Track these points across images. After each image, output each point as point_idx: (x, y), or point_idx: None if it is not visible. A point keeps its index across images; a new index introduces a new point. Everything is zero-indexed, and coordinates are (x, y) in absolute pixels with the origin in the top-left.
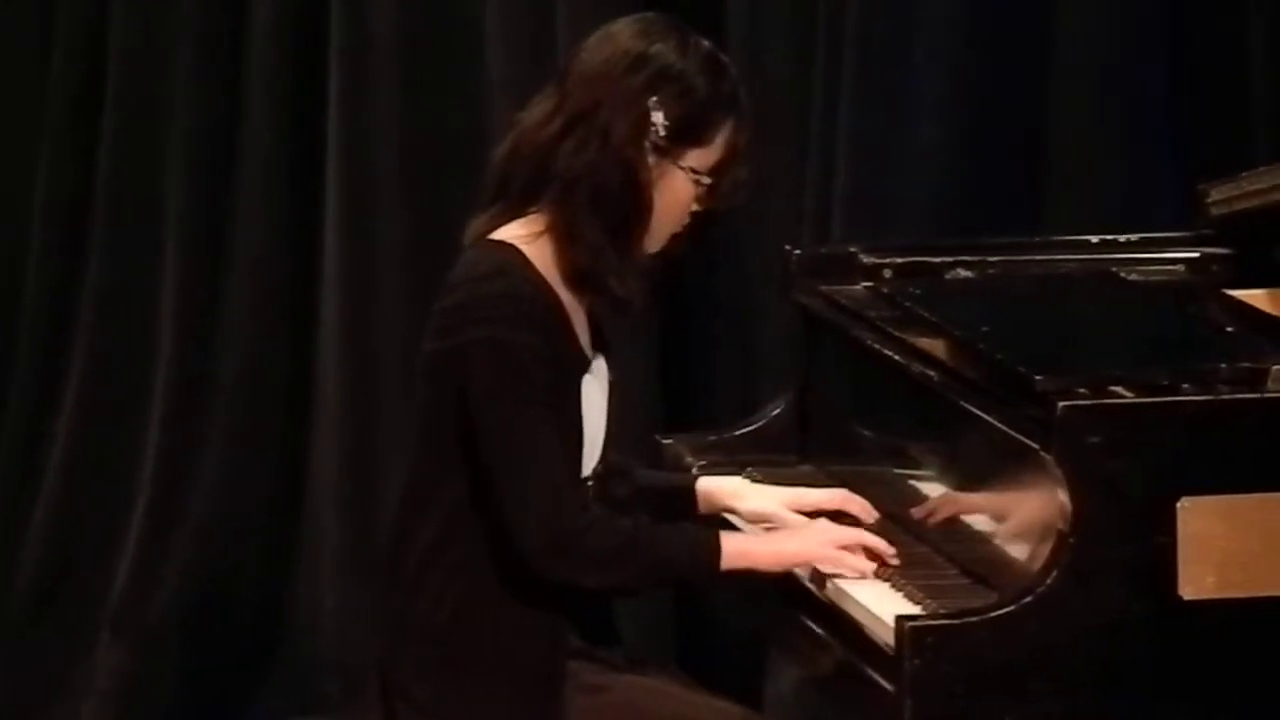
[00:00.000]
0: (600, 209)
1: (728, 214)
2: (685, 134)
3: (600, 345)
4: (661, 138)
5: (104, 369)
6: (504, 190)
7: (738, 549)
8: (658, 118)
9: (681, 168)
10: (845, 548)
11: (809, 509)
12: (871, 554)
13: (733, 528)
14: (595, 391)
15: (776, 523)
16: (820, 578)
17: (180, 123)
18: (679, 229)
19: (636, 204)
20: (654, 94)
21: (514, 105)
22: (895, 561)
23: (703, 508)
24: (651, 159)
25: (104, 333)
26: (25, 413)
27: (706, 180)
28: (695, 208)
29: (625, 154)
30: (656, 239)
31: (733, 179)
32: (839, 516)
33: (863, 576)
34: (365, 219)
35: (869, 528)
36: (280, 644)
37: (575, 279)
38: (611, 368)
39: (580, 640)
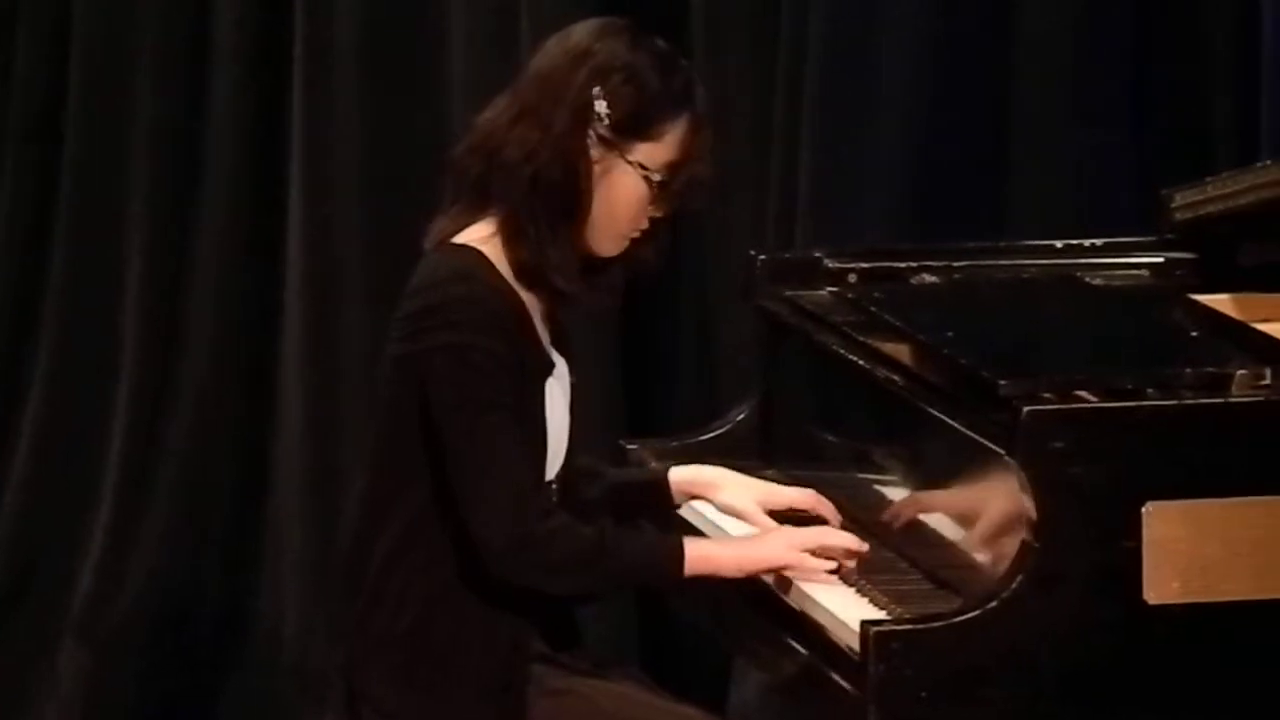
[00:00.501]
0: (540, 199)
1: (692, 218)
2: (631, 126)
3: (562, 347)
4: (606, 128)
5: (67, 376)
6: (460, 189)
7: (701, 554)
8: (600, 107)
9: (630, 162)
10: (810, 550)
11: (781, 507)
12: (837, 555)
13: (693, 528)
14: (558, 394)
15: (748, 521)
16: (784, 582)
17: (143, 126)
18: (635, 231)
19: (576, 194)
20: (598, 85)
21: (477, 106)
22: (864, 548)
23: (677, 497)
24: (596, 151)
25: (67, 339)
26: None
27: (657, 177)
28: (654, 212)
29: (565, 143)
30: (609, 238)
31: (688, 179)
32: (810, 518)
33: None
34: (328, 224)
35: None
36: (243, 649)
37: (521, 273)
38: (573, 370)
39: (543, 643)
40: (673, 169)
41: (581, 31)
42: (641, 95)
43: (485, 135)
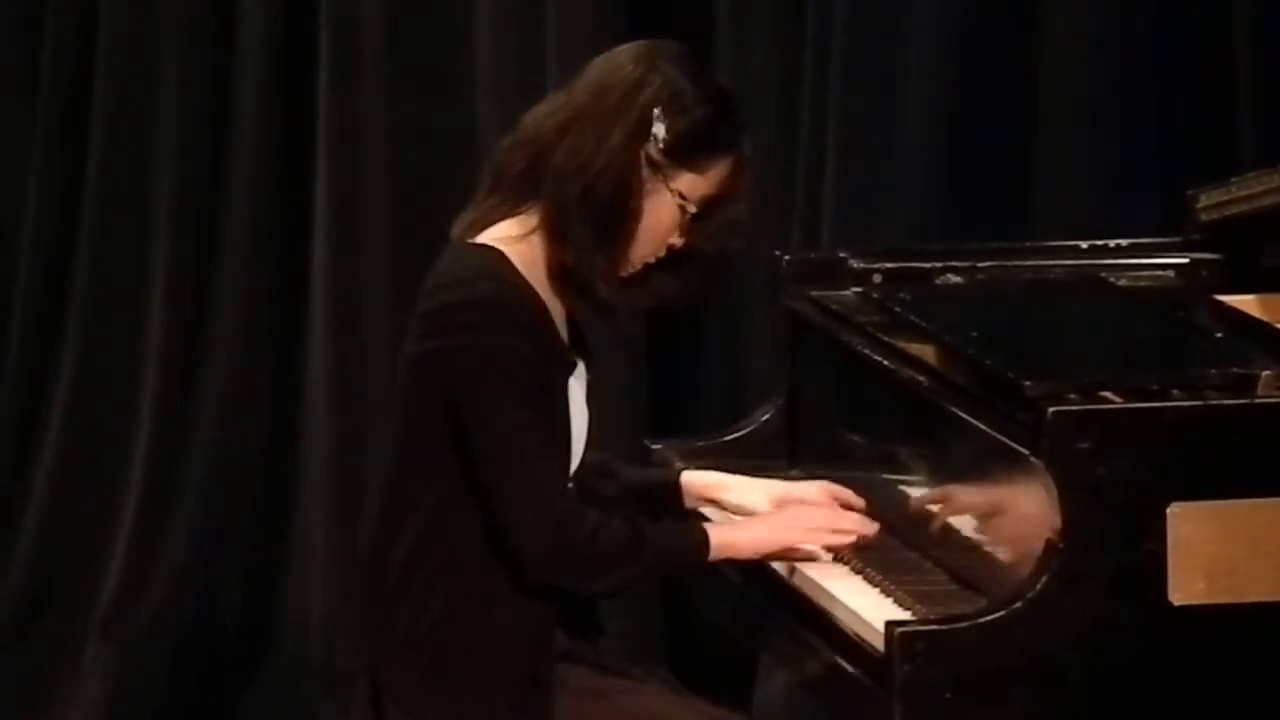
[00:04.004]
0: (590, 209)
1: (722, 258)
2: (681, 153)
3: (579, 347)
4: (659, 150)
5: (92, 377)
6: (499, 181)
7: (723, 540)
8: (659, 129)
9: (670, 190)
10: (823, 530)
11: (794, 502)
12: (850, 534)
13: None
14: (578, 393)
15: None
16: (808, 581)
17: (169, 127)
18: (652, 257)
19: (625, 210)
20: (658, 106)
21: (503, 111)
22: (874, 528)
23: (687, 501)
24: (645, 171)
25: (92, 341)
26: (13, 421)
27: (692, 209)
28: (675, 240)
29: (619, 158)
30: (634, 259)
31: (725, 220)
32: None
33: (835, 555)
34: (353, 225)
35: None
36: (268, 651)
37: (562, 278)
38: (590, 370)
39: (565, 636)
40: (708, 204)
41: (643, 52)
42: (695, 126)
43: (534, 135)
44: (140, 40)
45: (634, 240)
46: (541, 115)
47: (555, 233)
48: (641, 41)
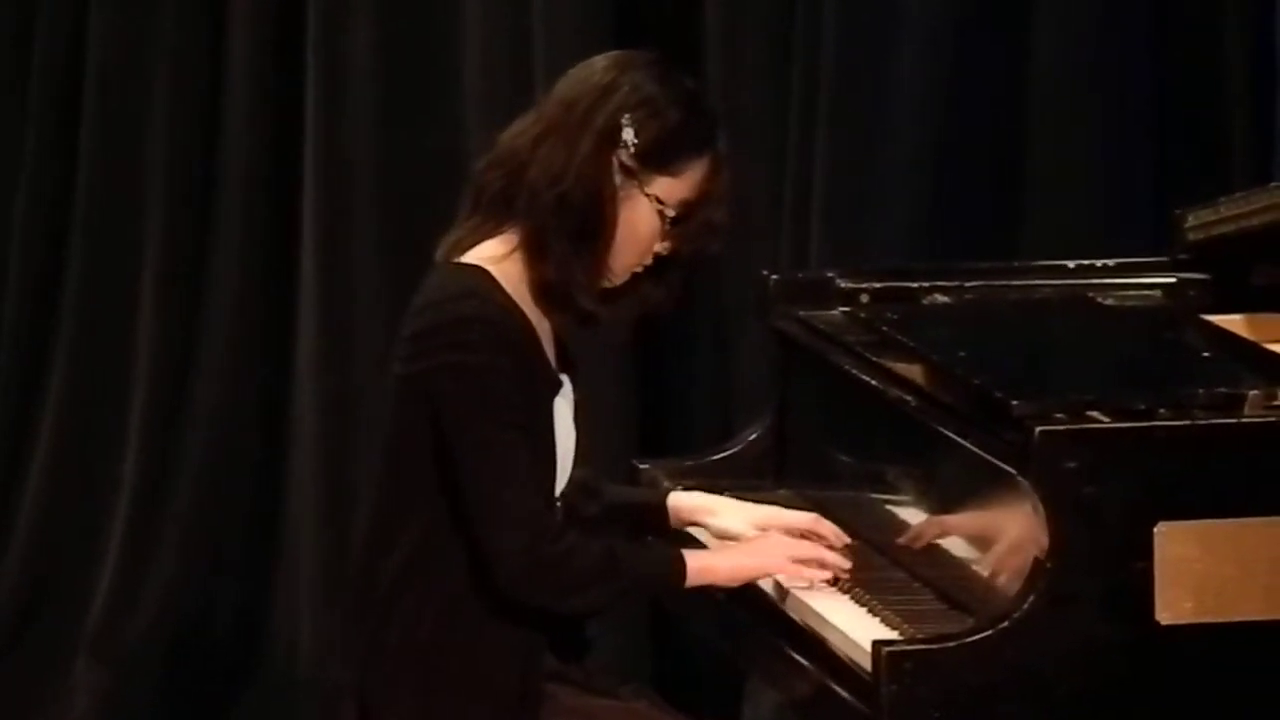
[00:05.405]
0: (565, 220)
1: (703, 261)
2: (653, 158)
3: (565, 365)
4: (631, 156)
5: (82, 392)
6: (479, 202)
7: (701, 565)
8: (628, 135)
9: (647, 195)
10: (802, 561)
11: (780, 530)
12: (827, 568)
13: (696, 542)
14: (565, 411)
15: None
16: (796, 601)
17: (158, 147)
18: (639, 265)
19: (600, 218)
20: (627, 113)
21: (492, 123)
22: (845, 576)
23: (673, 523)
24: (618, 178)
25: (81, 358)
26: (3, 437)
27: (671, 213)
28: (661, 248)
29: (590, 167)
30: (617, 269)
31: (703, 221)
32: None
33: (811, 586)
34: (342, 245)
35: (838, 550)
36: (258, 666)
37: (543, 293)
38: (576, 387)
39: (553, 654)
40: (687, 207)
41: (611, 61)
42: (665, 130)
43: (509, 153)
44: (130, 57)
45: (612, 249)
46: (516, 133)
47: (534, 247)
48: (611, 52)
